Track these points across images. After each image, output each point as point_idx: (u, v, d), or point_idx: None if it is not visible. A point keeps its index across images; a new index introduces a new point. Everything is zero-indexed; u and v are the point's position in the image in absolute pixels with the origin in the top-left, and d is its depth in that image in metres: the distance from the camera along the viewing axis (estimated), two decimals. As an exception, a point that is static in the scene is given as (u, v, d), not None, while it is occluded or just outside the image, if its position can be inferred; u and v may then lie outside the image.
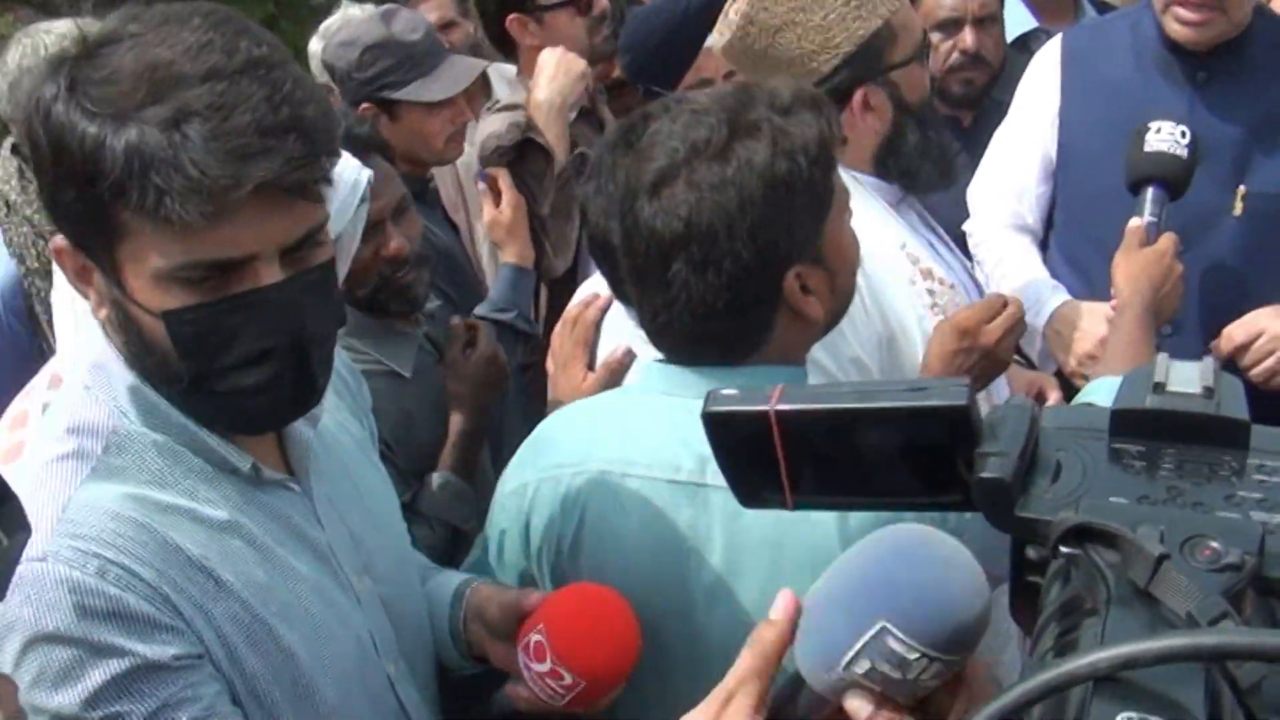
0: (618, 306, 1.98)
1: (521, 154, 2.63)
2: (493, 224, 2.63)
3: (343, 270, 1.80)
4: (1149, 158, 2.18)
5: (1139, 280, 2.08)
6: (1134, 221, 2.16)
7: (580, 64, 2.71)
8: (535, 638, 1.29)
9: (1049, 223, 2.58)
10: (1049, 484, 0.67)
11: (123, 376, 1.20)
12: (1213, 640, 0.50)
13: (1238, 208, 2.36)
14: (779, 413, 0.72)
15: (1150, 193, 2.18)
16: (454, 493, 2.16)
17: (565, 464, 1.48)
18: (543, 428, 1.61)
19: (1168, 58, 2.40)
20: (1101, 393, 1.85)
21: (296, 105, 1.09)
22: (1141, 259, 2.10)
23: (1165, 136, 2.19)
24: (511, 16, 2.92)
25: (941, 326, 1.86)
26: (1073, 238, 2.50)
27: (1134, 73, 2.43)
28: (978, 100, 2.94)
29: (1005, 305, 1.85)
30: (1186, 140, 2.18)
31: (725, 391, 0.75)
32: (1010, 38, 3.05)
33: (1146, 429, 0.69)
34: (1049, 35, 2.77)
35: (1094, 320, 2.34)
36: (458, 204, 2.94)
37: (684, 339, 1.42)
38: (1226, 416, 0.68)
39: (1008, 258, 2.54)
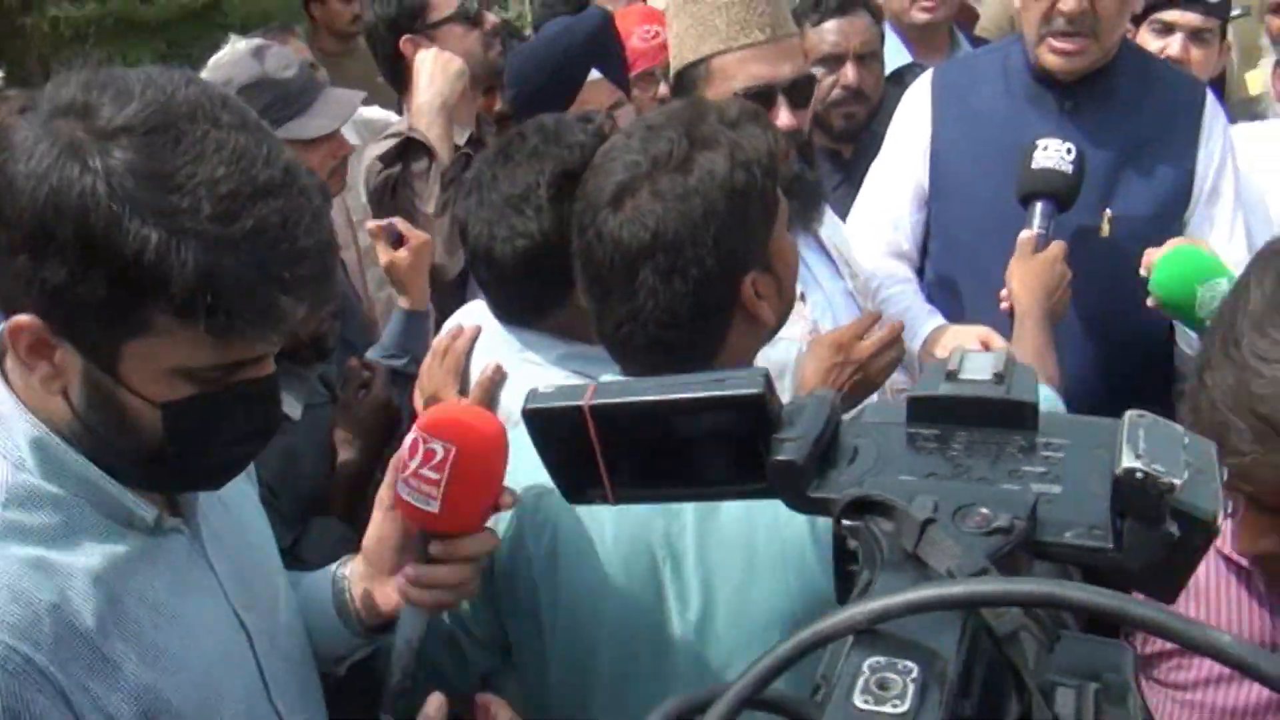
0: (486, 337, 2.00)
1: (404, 156, 2.64)
2: (390, 267, 2.63)
3: None
4: (1036, 174, 2.29)
5: (1034, 287, 2.18)
6: (1025, 233, 2.26)
7: (457, 63, 2.73)
8: (409, 439, 1.32)
9: (925, 250, 2.65)
10: (845, 467, 0.71)
11: (24, 427, 1.16)
12: (960, 589, 0.53)
13: (1105, 229, 2.45)
14: (593, 407, 0.74)
15: (1039, 206, 2.29)
16: (337, 537, 2.14)
17: (529, 486, 1.48)
18: None
19: (1036, 88, 2.49)
20: None
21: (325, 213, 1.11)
22: (1035, 265, 2.21)
23: (1052, 154, 2.30)
24: (404, 38, 2.94)
25: (818, 341, 1.92)
26: (946, 264, 2.57)
27: (1003, 103, 2.52)
28: (858, 133, 3.02)
29: (876, 322, 1.92)
30: (1072, 157, 2.30)
31: (543, 389, 0.77)
32: (888, 71, 3.15)
33: (940, 414, 0.73)
34: (923, 69, 2.86)
35: (965, 342, 2.40)
36: (347, 241, 2.94)
37: (646, 349, 1.45)
38: (1014, 399, 0.72)
39: (885, 285, 2.61)
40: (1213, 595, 1.52)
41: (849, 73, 2.99)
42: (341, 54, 4.13)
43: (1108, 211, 2.45)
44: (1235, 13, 3.45)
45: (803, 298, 2.05)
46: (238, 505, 1.41)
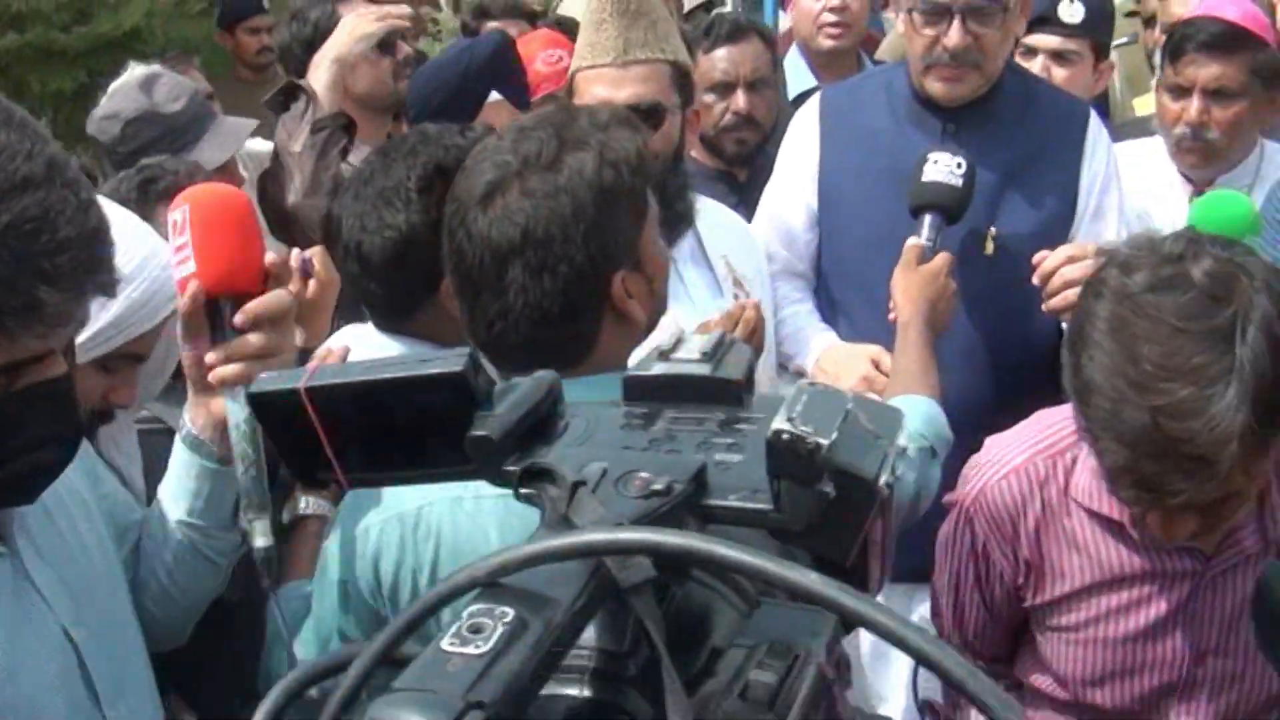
0: (359, 354, 2.01)
1: (286, 103, 2.64)
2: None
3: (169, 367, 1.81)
4: (926, 186, 2.32)
5: (917, 297, 2.21)
6: (912, 240, 2.29)
7: (366, 28, 2.74)
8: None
9: (819, 268, 2.69)
10: (552, 443, 0.72)
11: None
12: (564, 541, 0.54)
13: (989, 247, 2.49)
14: (310, 389, 0.75)
15: (928, 218, 2.31)
16: None
17: (408, 501, 1.50)
18: None
19: (919, 111, 2.53)
20: (907, 409, 1.94)
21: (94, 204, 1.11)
22: (919, 276, 2.23)
23: (942, 167, 2.33)
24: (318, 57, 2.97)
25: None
26: (836, 282, 2.60)
27: (888, 125, 2.56)
28: (751, 158, 3.06)
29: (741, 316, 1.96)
30: (962, 170, 2.32)
31: (265, 375, 0.78)
32: (792, 95, 3.19)
33: (652, 392, 0.75)
34: None
35: (855, 360, 2.44)
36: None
37: (519, 348, 1.45)
38: (720, 377, 0.74)
39: (781, 305, 2.64)
40: (1092, 548, 1.71)
41: (739, 100, 3.02)
42: (256, 82, 4.16)
43: (992, 229, 2.49)
44: (1122, 40, 3.54)
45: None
46: (64, 513, 1.40)
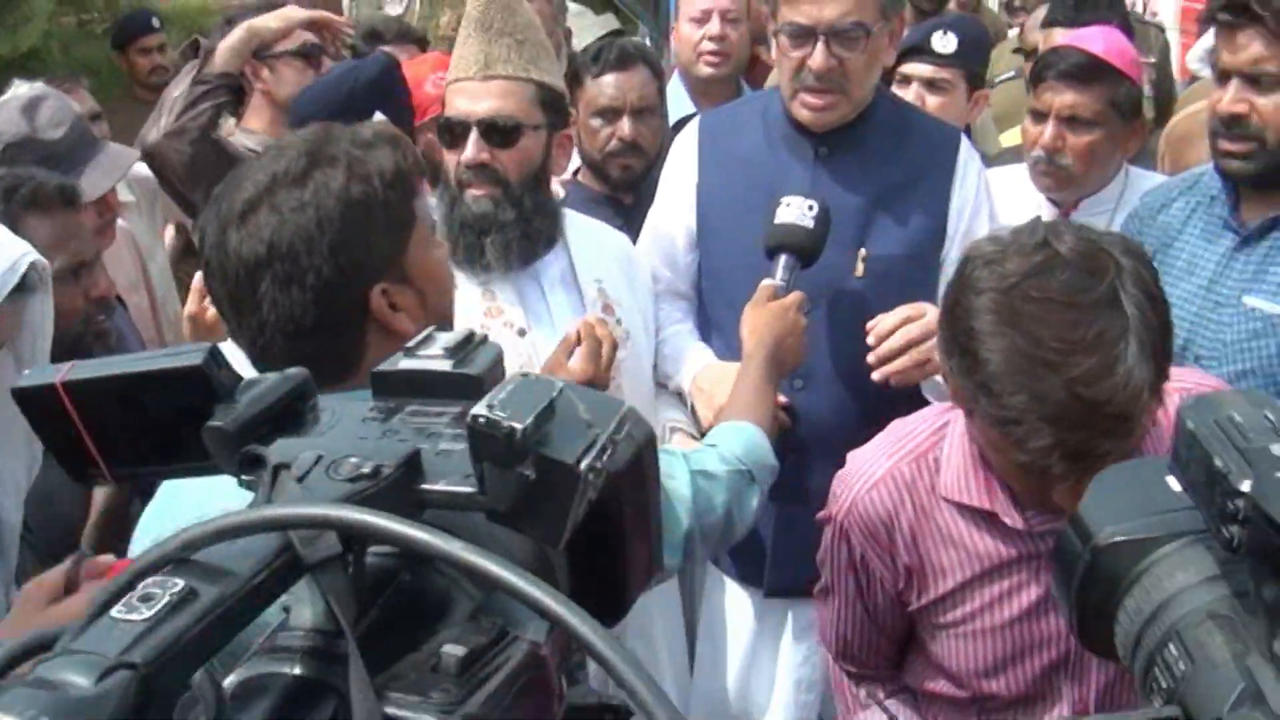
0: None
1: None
2: (193, 318, 2.62)
3: (42, 355, 1.82)
4: (779, 229, 2.39)
5: (762, 332, 2.25)
6: (766, 281, 2.34)
7: (294, 13, 2.80)
8: None
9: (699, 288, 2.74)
10: (292, 435, 0.75)
11: None
12: (249, 516, 0.57)
13: (859, 269, 2.56)
14: (65, 384, 0.77)
15: (782, 259, 2.37)
16: None
17: (218, 506, 1.50)
18: (169, 484, 1.63)
19: (792, 135, 2.60)
20: (724, 435, 2.00)
21: None
22: (766, 313, 2.28)
23: (794, 210, 2.39)
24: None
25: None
26: (714, 302, 2.66)
27: (763, 149, 2.63)
28: (636, 183, 3.11)
29: (579, 341, 1.99)
30: (814, 212, 2.38)
31: (27, 371, 0.80)
32: (672, 120, 3.25)
33: (397, 388, 0.78)
34: None
35: (728, 378, 2.48)
36: (137, 283, 2.94)
37: (282, 360, 1.44)
38: (460, 373, 0.77)
39: (662, 326, 2.69)
40: (967, 542, 1.78)
41: (625, 126, 3.07)
42: (153, 102, 4.13)
43: (862, 251, 2.56)
44: (1007, 75, 3.66)
45: (522, 333, 2.12)
46: None
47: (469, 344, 0.80)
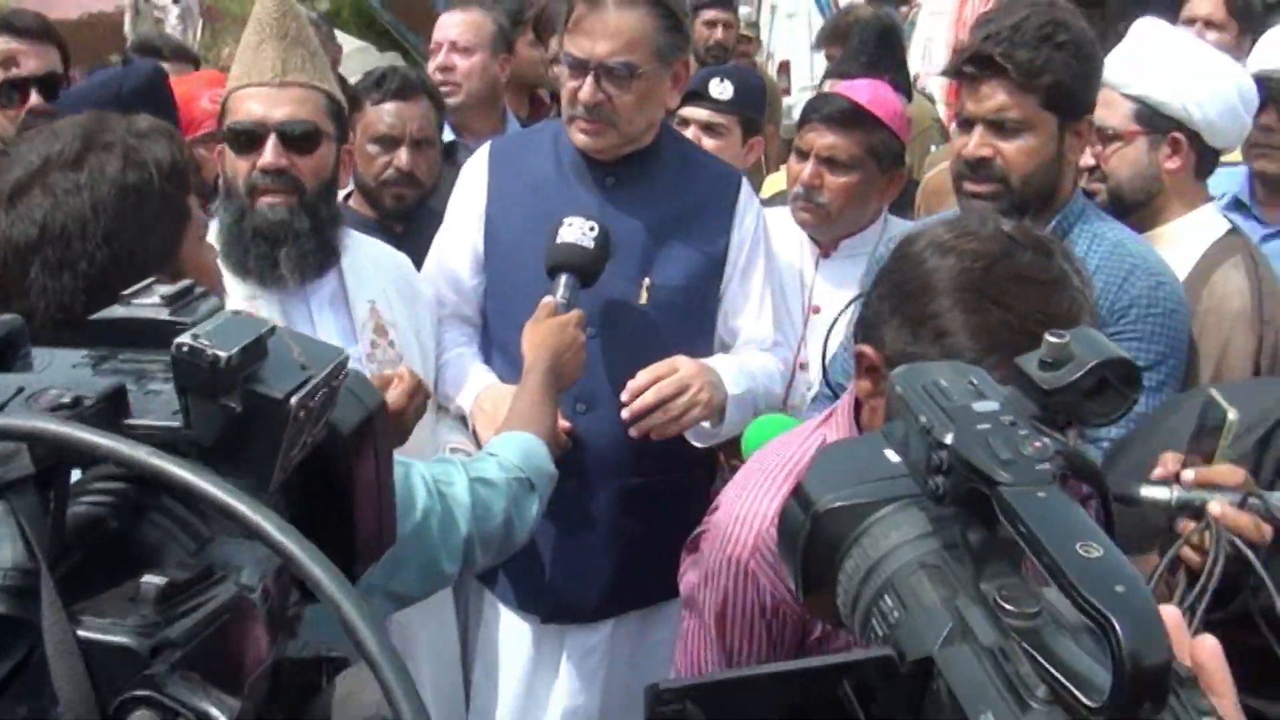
0: None
1: None
2: None
3: None
4: (559, 248, 2.43)
5: (541, 346, 2.29)
6: (546, 298, 2.37)
7: None
8: None
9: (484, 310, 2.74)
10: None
11: None
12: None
13: (644, 297, 2.61)
14: None
15: (563, 278, 2.42)
16: None
17: None
18: None
19: (582, 164, 2.64)
20: (502, 444, 1.99)
21: None
22: (545, 328, 2.32)
23: (575, 230, 2.44)
24: None
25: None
26: (500, 324, 2.66)
27: (553, 176, 2.66)
28: (408, 213, 3.10)
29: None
30: (594, 233, 2.44)
31: None
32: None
33: (112, 335, 0.76)
34: (469, 149, 3.01)
35: (510, 399, 2.49)
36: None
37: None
38: (176, 320, 0.75)
39: (445, 349, 2.67)
40: None
41: (402, 156, 3.06)
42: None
43: (646, 280, 2.61)
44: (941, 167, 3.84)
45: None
46: None
47: (188, 294, 0.77)
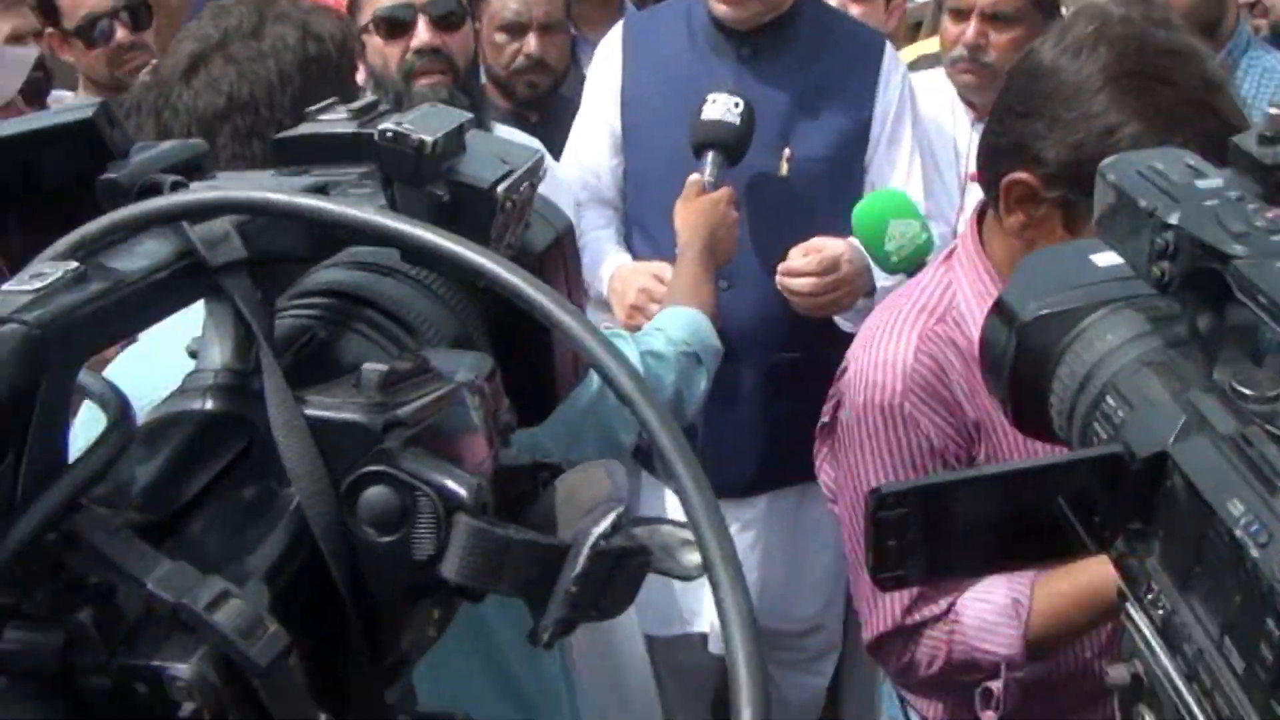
0: None
1: None
2: None
3: None
4: (705, 125, 2.39)
5: (696, 225, 2.27)
6: (693, 176, 2.35)
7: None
8: None
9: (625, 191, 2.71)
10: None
11: None
12: (141, 208, 0.55)
13: (784, 169, 2.56)
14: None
15: (710, 156, 2.38)
16: None
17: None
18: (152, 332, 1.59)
19: (716, 36, 2.58)
20: (668, 319, 1.98)
21: None
22: (698, 206, 2.30)
23: (720, 107, 2.39)
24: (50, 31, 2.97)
25: None
26: (641, 206, 2.64)
27: (687, 50, 2.60)
28: (543, 101, 3.03)
29: None
30: (739, 110, 2.39)
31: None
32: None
33: (299, 154, 0.74)
34: (590, 44, 2.96)
35: (639, 275, 2.50)
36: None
37: None
38: (362, 133, 0.73)
39: (585, 231, 2.66)
40: None
41: (531, 42, 2.95)
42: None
43: (787, 151, 2.55)
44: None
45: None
46: None
47: (374, 108, 0.76)
